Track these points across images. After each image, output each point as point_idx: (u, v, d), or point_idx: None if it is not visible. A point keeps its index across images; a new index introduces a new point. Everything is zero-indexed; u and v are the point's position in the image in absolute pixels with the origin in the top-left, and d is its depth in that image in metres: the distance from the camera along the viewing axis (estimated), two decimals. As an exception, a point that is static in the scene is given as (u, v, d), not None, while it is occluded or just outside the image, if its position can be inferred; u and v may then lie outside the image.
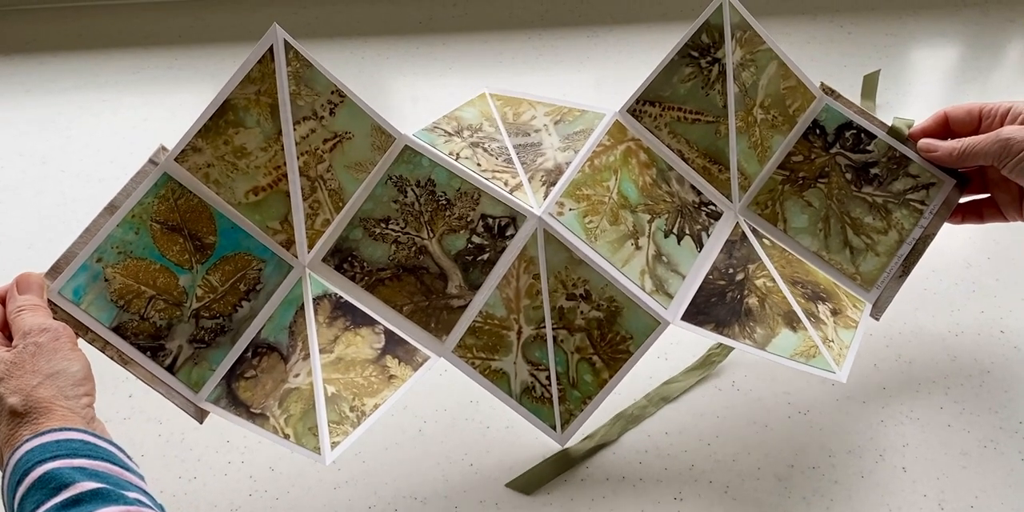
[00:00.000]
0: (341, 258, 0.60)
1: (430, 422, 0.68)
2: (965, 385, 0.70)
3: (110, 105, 0.96)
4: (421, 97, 0.97)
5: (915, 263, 0.64)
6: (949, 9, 1.11)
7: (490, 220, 0.58)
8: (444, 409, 0.68)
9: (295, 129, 0.57)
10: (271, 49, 0.56)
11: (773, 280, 0.62)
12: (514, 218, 0.58)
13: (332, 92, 0.58)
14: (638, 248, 0.60)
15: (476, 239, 0.59)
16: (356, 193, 0.60)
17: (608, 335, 0.60)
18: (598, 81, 1.01)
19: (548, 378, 0.60)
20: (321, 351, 0.57)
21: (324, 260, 0.60)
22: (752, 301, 0.61)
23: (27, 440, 0.46)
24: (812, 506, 0.63)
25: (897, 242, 0.64)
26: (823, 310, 0.62)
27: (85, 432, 0.48)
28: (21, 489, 0.44)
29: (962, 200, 0.65)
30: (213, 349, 0.57)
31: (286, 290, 0.59)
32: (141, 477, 0.48)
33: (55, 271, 0.53)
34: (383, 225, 0.60)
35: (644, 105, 0.63)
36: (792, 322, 0.61)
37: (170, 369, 0.56)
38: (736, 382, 0.70)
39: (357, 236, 0.60)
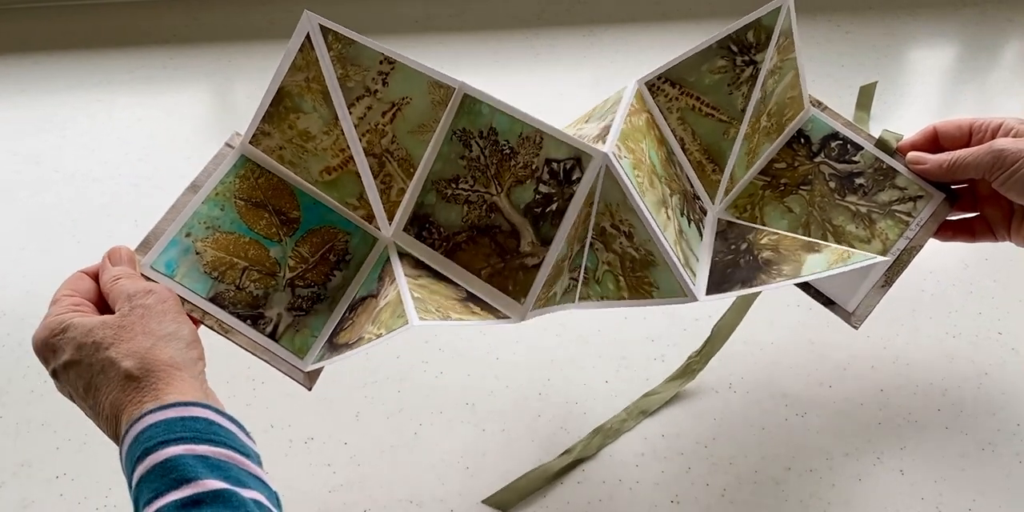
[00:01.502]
0: (419, 226, 0.60)
1: (426, 425, 0.67)
2: (963, 387, 0.70)
3: (105, 105, 0.95)
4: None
5: (899, 274, 0.62)
6: (947, 9, 1.10)
7: (555, 164, 0.56)
8: (440, 412, 0.68)
9: (351, 112, 0.57)
10: (308, 37, 0.55)
11: (776, 233, 0.62)
12: (579, 159, 0.55)
13: (381, 62, 0.56)
14: (668, 218, 0.59)
15: (543, 188, 0.57)
16: (424, 156, 0.59)
17: (638, 273, 0.59)
18: (596, 81, 1.00)
19: (578, 274, 0.60)
20: (407, 276, 0.57)
21: (405, 230, 0.60)
22: (766, 254, 0.60)
23: (150, 412, 0.44)
24: (809, 509, 0.63)
25: (880, 252, 0.62)
26: (833, 241, 0.62)
27: (207, 407, 0.46)
28: (141, 468, 0.42)
29: (951, 218, 0.64)
30: (312, 316, 0.58)
31: (374, 259, 0.60)
32: (258, 457, 0.46)
33: (145, 246, 0.54)
34: (453, 185, 0.59)
35: (664, 83, 0.62)
36: (813, 248, 0.60)
37: (272, 336, 0.56)
38: (733, 384, 0.70)
39: (431, 200, 0.60)
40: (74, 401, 0.50)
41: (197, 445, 0.43)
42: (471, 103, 0.58)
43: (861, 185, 0.64)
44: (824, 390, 0.70)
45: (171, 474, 0.42)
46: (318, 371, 0.56)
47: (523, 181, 0.57)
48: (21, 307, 0.76)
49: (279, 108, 0.56)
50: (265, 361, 0.55)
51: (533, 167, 0.57)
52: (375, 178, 0.59)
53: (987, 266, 0.79)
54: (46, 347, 0.49)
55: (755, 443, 0.66)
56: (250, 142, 0.56)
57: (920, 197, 0.63)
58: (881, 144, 0.65)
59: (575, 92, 0.98)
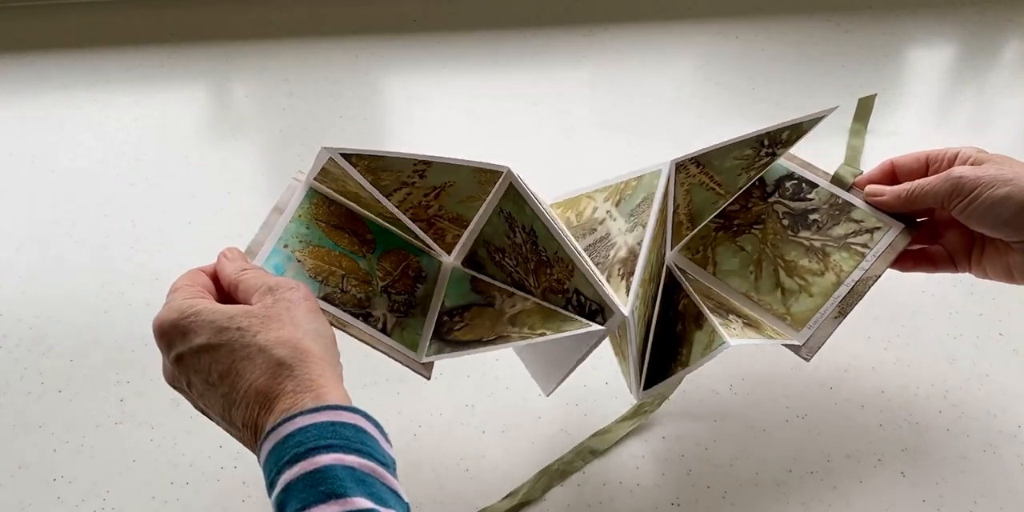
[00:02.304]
0: (475, 269, 0.62)
1: (425, 426, 0.67)
2: (964, 388, 0.70)
3: (101, 104, 0.95)
4: (415, 96, 0.96)
5: (854, 304, 0.61)
6: (946, 8, 1.10)
7: (583, 298, 0.56)
8: (439, 413, 0.68)
9: (390, 200, 0.59)
10: (331, 160, 0.56)
11: (687, 296, 0.61)
12: (603, 309, 0.54)
13: (415, 164, 0.57)
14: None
15: (571, 310, 0.57)
16: (476, 217, 0.61)
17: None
18: (594, 80, 1.00)
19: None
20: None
21: (463, 265, 0.63)
22: (678, 328, 0.60)
23: (301, 413, 0.43)
24: (811, 511, 0.62)
25: (834, 284, 0.62)
26: (733, 318, 0.61)
27: (356, 412, 0.45)
28: (289, 474, 0.42)
29: (912, 248, 0.64)
30: (411, 318, 0.59)
31: (446, 277, 0.63)
32: (394, 464, 0.46)
33: (249, 254, 0.55)
34: (500, 255, 0.61)
35: (692, 163, 0.61)
36: (699, 320, 0.59)
37: (383, 332, 0.57)
38: (734, 386, 0.70)
39: (483, 255, 0.62)
40: (188, 389, 0.49)
41: (347, 455, 0.43)
42: (515, 195, 0.58)
43: (815, 220, 0.64)
44: (825, 391, 0.69)
45: (320, 486, 0.41)
46: (431, 363, 0.58)
47: (556, 292, 0.57)
48: (18, 308, 0.75)
49: (326, 177, 0.58)
50: (383, 352, 0.56)
51: (565, 287, 0.57)
52: (427, 233, 0.61)
53: (988, 267, 0.79)
54: (175, 329, 0.48)
55: (756, 445, 0.66)
56: (315, 179, 0.58)
57: (877, 229, 0.63)
58: (836, 180, 0.65)
59: (574, 92, 0.98)
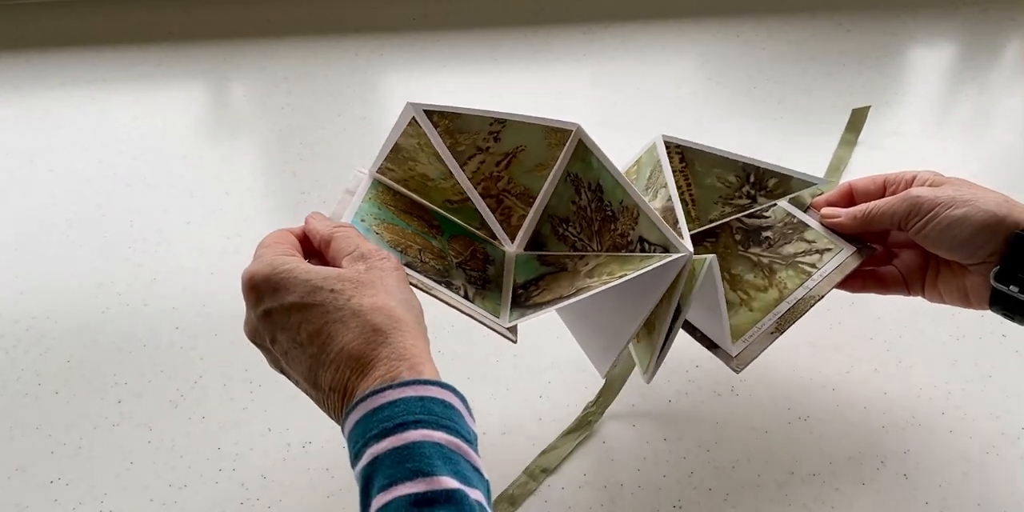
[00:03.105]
0: (538, 249, 0.63)
1: (425, 428, 0.67)
2: (967, 390, 0.69)
3: (99, 103, 0.94)
4: (415, 95, 0.96)
5: (792, 322, 0.61)
6: (948, 8, 1.10)
7: (647, 245, 0.56)
8: (439, 415, 0.67)
9: (464, 170, 0.60)
10: (414, 119, 0.58)
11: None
12: (667, 249, 0.54)
13: (491, 124, 0.58)
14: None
15: None
16: (543, 189, 0.61)
17: None
18: (594, 79, 1.00)
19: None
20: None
21: (527, 250, 0.63)
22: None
23: (396, 385, 0.43)
24: (813, 514, 0.62)
25: (776, 300, 0.62)
26: (728, 289, 0.63)
27: (444, 387, 0.45)
28: (377, 447, 0.42)
29: (865, 267, 0.63)
30: (488, 291, 0.59)
31: (511, 262, 0.63)
32: (476, 440, 0.45)
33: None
34: (564, 226, 0.61)
35: (676, 154, 0.62)
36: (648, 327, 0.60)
37: (466, 299, 0.57)
38: (735, 387, 0.69)
39: (546, 231, 0.62)
40: (270, 346, 0.49)
41: (434, 431, 0.42)
42: (584, 151, 0.58)
43: (767, 238, 0.65)
44: (827, 393, 0.69)
45: (407, 463, 0.41)
46: (515, 327, 0.57)
47: (621, 248, 0.58)
48: (15, 308, 0.75)
49: (398, 156, 0.59)
50: (469, 315, 0.56)
51: (628, 239, 0.57)
52: (494, 213, 0.62)
53: (990, 267, 0.78)
54: (267, 283, 0.48)
55: (758, 447, 0.66)
56: (377, 171, 0.60)
57: (828, 250, 0.63)
58: (795, 199, 0.65)
59: (574, 91, 0.97)
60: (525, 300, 0.59)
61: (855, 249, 0.62)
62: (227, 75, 0.99)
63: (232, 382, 0.69)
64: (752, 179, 0.62)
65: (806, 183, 0.62)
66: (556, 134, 0.59)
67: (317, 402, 0.48)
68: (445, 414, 0.44)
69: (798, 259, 0.63)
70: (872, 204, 0.60)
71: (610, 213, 0.57)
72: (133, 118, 0.93)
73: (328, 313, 0.46)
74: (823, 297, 0.61)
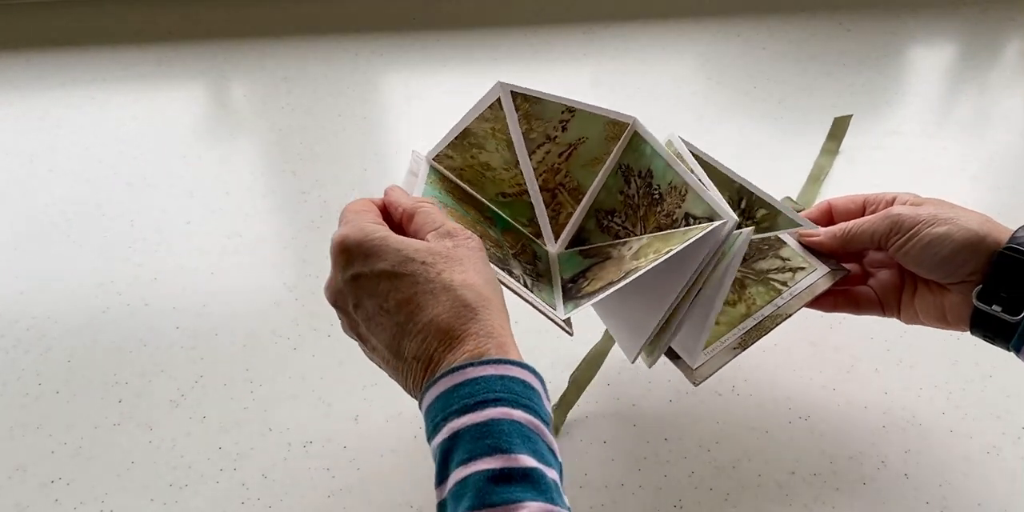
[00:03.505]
0: (579, 245, 0.64)
1: (426, 428, 0.67)
2: (967, 390, 0.69)
3: (99, 103, 0.94)
4: (415, 95, 0.96)
5: (756, 339, 0.61)
6: (948, 7, 1.10)
7: (692, 220, 0.56)
8: (440, 415, 0.67)
9: (531, 159, 0.61)
10: (498, 99, 0.59)
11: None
12: (711, 220, 0.55)
13: (563, 112, 0.60)
14: None
15: None
16: (592, 185, 0.62)
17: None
18: (594, 78, 1.00)
19: None
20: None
21: (568, 248, 0.64)
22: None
23: (477, 363, 0.44)
24: (813, 513, 0.62)
25: (743, 316, 0.62)
26: None
27: (525, 367, 0.46)
28: (457, 423, 0.43)
29: (840, 287, 0.63)
30: (541, 284, 0.60)
31: (555, 261, 0.64)
32: (551, 420, 0.46)
33: None
34: (609, 217, 0.62)
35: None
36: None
37: (527, 288, 0.58)
38: (736, 387, 0.69)
39: (591, 226, 0.63)
40: (352, 310, 0.50)
41: (514, 409, 0.43)
42: (638, 141, 0.60)
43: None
44: (828, 393, 0.69)
45: (487, 439, 0.42)
46: (570, 320, 0.58)
47: (663, 228, 0.58)
48: (15, 308, 0.75)
49: (463, 142, 0.60)
50: (532, 304, 0.56)
51: (674, 217, 0.57)
52: (547, 207, 0.63)
53: (990, 267, 0.78)
54: (359, 248, 0.48)
55: (758, 447, 0.66)
56: (433, 159, 0.61)
57: (801, 269, 0.62)
58: None
59: (574, 90, 0.97)
60: (576, 292, 0.59)
61: (828, 269, 0.62)
62: (227, 75, 0.99)
63: (232, 382, 0.69)
64: (744, 205, 0.63)
65: (793, 223, 0.62)
66: (614, 127, 0.61)
67: (393, 370, 0.49)
68: (525, 394, 0.45)
69: (770, 276, 0.63)
70: (852, 223, 0.60)
71: (657, 196, 0.59)
72: (133, 118, 0.93)
73: (418, 284, 0.47)
74: (791, 316, 0.61)
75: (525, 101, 0.59)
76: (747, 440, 0.66)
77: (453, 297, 0.47)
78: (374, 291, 0.48)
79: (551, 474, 0.43)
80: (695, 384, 0.62)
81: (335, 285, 0.50)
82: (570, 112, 0.60)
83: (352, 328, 0.51)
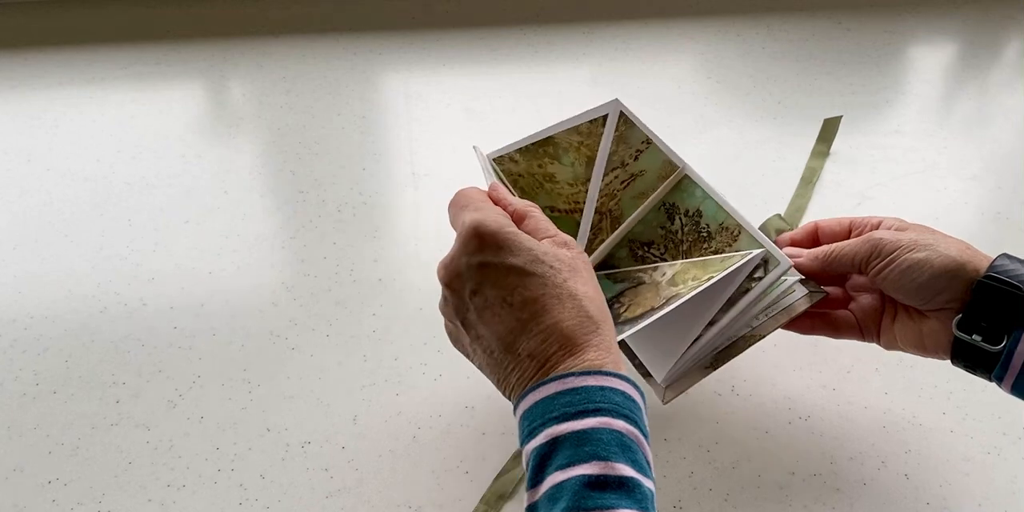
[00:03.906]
0: (605, 270, 0.64)
1: (424, 428, 0.66)
2: (968, 390, 0.69)
3: (97, 102, 0.94)
4: (414, 94, 0.96)
5: (728, 358, 0.61)
6: (948, 6, 1.10)
7: None
8: (439, 415, 0.67)
9: (604, 179, 0.63)
10: (605, 116, 0.61)
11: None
12: (767, 261, 0.57)
13: (642, 142, 0.63)
14: None
15: None
16: (632, 216, 0.64)
17: None
18: (594, 78, 0.99)
19: None
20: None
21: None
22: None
23: (588, 373, 0.46)
24: (813, 514, 0.62)
25: (716, 335, 0.61)
26: None
27: (627, 380, 0.47)
28: (556, 429, 0.44)
29: (819, 310, 0.63)
30: None
31: None
32: (648, 436, 0.47)
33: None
34: (646, 248, 0.63)
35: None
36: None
37: None
38: (736, 387, 0.69)
39: (622, 255, 0.64)
40: (469, 295, 0.50)
41: (614, 419, 0.45)
42: (688, 184, 0.62)
43: None
44: (828, 393, 0.69)
45: (586, 447, 0.43)
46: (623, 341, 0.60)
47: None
48: (12, 308, 0.75)
49: (539, 149, 0.61)
50: None
51: (725, 254, 0.59)
52: (590, 230, 0.64)
53: (991, 267, 0.78)
54: (494, 238, 0.49)
55: (758, 447, 0.65)
56: (494, 159, 0.62)
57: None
58: (763, 227, 0.66)
59: (574, 90, 0.97)
60: (616, 318, 0.59)
61: (807, 291, 0.61)
62: (225, 74, 0.98)
63: (230, 382, 0.69)
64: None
65: (780, 275, 0.60)
66: (668, 166, 0.63)
67: (494, 362, 0.50)
68: (625, 405, 0.46)
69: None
70: (835, 246, 0.60)
71: (706, 234, 0.61)
72: (131, 117, 0.93)
73: (546, 286, 0.48)
74: (764, 337, 0.61)
75: (624, 123, 0.62)
76: (747, 440, 0.66)
77: (578, 306, 0.48)
78: (500, 283, 0.49)
79: (648, 484, 0.44)
80: (664, 402, 0.63)
81: (456, 267, 0.50)
82: (646, 143, 0.62)
83: (458, 312, 0.51)
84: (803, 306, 0.60)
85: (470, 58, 1.01)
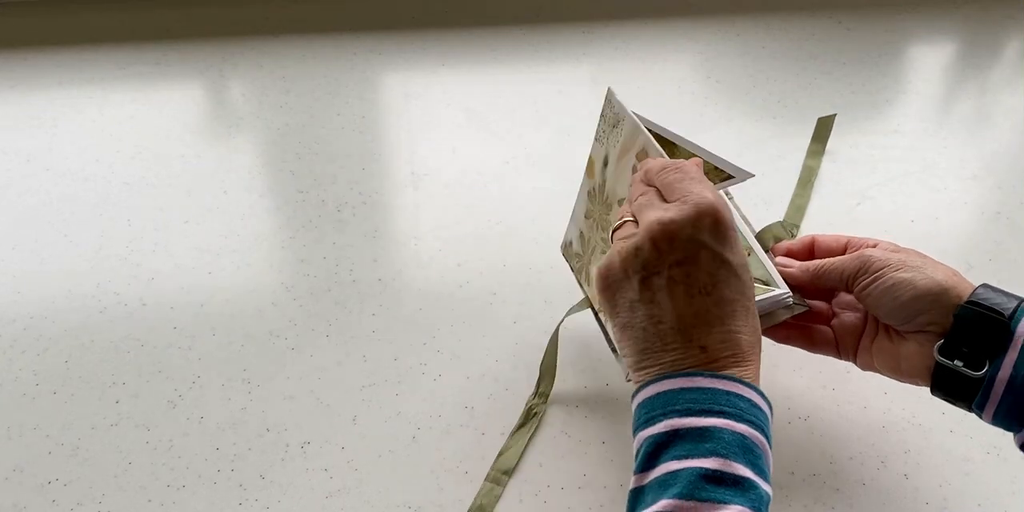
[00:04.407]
0: None
1: (424, 429, 0.66)
2: (967, 390, 0.69)
3: (96, 102, 0.94)
4: (413, 93, 0.96)
5: None
6: (948, 6, 1.10)
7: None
8: (438, 415, 0.67)
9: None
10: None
11: None
12: (766, 283, 0.58)
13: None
14: None
15: None
16: None
17: None
18: (594, 77, 0.99)
19: None
20: None
21: None
22: None
23: (719, 376, 0.47)
24: (813, 514, 0.62)
25: None
26: None
27: (756, 391, 0.48)
28: (677, 422, 0.45)
29: (800, 322, 0.63)
30: None
31: None
32: (771, 448, 0.48)
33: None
34: None
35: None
36: None
37: None
38: (735, 387, 0.69)
39: None
40: (667, 265, 0.49)
41: (737, 423, 0.46)
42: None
43: None
44: (827, 393, 0.69)
45: (707, 443, 0.44)
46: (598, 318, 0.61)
47: None
48: (12, 308, 0.75)
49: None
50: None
51: None
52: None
53: (991, 267, 0.78)
54: (717, 227, 0.49)
55: (758, 447, 0.65)
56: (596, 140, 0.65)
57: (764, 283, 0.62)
58: (760, 236, 0.65)
59: (574, 89, 0.97)
60: None
61: (791, 302, 0.61)
62: (225, 74, 0.98)
63: (230, 382, 0.69)
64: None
65: (775, 302, 0.60)
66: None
67: (659, 334, 0.49)
68: (750, 411, 0.47)
69: None
70: (825, 261, 0.60)
71: None
72: (130, 117, 0.92)
73: (743, 295, 0.50)
74: None
75: (662, 139, 0.61)
76: (747, 440, 0.66)
77: (754, 325, 0.50)
78: (711, 270, 0.49)
79: (765, 487, 0.45)
80: (627, 380, 0.61)
81: (677, 230, 0.48)
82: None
83: (647, 268, 0.49)
84: (783, 316, 0.60)
85: (470, 58, 1.01)
